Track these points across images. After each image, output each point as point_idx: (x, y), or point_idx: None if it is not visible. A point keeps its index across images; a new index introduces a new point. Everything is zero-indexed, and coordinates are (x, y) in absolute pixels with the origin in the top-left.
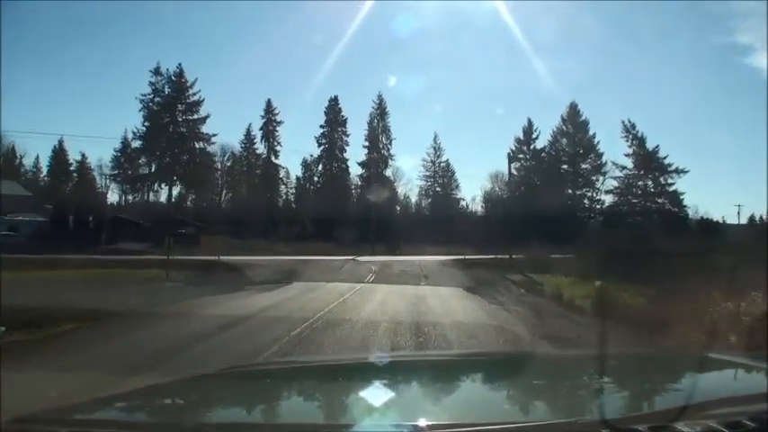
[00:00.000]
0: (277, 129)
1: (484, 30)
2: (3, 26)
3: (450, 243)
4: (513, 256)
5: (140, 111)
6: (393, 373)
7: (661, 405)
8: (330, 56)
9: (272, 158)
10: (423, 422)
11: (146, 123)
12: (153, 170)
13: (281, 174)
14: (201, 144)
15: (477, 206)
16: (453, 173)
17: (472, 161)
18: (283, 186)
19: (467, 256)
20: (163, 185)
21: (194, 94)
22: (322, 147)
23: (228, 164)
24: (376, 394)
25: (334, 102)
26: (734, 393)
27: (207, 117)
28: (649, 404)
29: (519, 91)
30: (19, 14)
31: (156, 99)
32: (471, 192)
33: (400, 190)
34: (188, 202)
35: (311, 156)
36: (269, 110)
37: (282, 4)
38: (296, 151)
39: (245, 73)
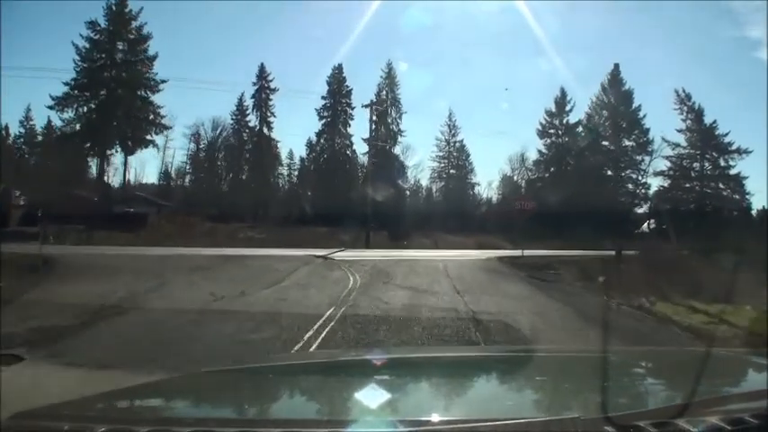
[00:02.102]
0: (271, 97)
1: (494, 23)
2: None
3: (465, 231)
4: (624, 253)
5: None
6: (394, 370)
7: (664, 402)
8: (336, 52)
9: (265, 131)
10: (424, 418)
11: (78, 67)
12: (79, 128)
13: (276, 148)
14: (146, 93)
15: (494, 192)
16: (468, 155)
17: (485, 152)
18: (285, 168)
19: (524, 252)
20: (96, 148)
21: (139, 27)
22: (324, 120)
23: (221, 139)
24: (378, 391)
25: (337, 70)
26: (737, 390)
27: (155, 57)
28: (652, 401)
29: (531, 84)
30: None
31: (90, 34)
32: (483, 178)
33: (410, 173)
34: (185, 182)
35: (316, 133)
36: (262, 75)
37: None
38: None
39: (248, 63)
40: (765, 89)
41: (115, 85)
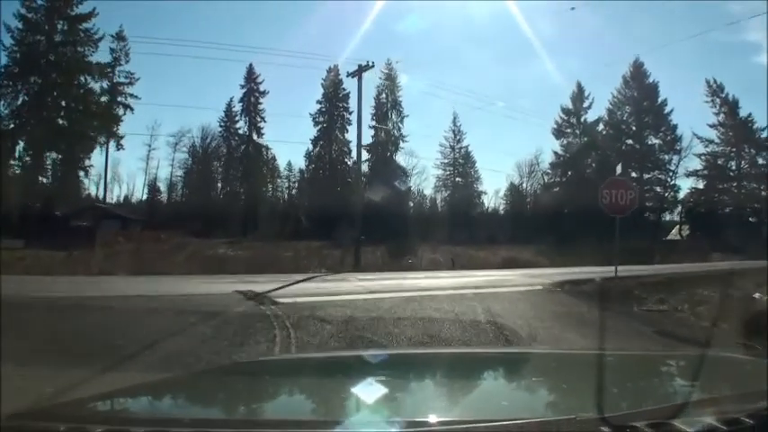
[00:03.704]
0: (260, 100)
1: (496, 24)
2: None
3: (476, 244)
4: None
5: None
6: (390, 369)
7: (660, 402)
8: (332, 52)
9: (255, 137)
10: (419, 419)
11: (9, 51)
12: (11, 125)
13: (268, 156)
14: (89, 79)
15: (501, 201)
16: (474, 162)
17: (489, 159)
18: (285, 180)
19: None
20: (33, 147)
21: (81, 2)
22: (319, 126)
23: (211, 148)
24: (373, 391)
25: (333, 72)
26: (732, 391)
27: (101, 38)
28: (648, 401)
29: (531, 89)
30: None
31: (26, 13)
32: (489, 187)
33: (412, 182)
34: (179, 195)
35: (311, 140)
36: (250, 77)
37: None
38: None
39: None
40: (765, 94)
41: (50, 70)
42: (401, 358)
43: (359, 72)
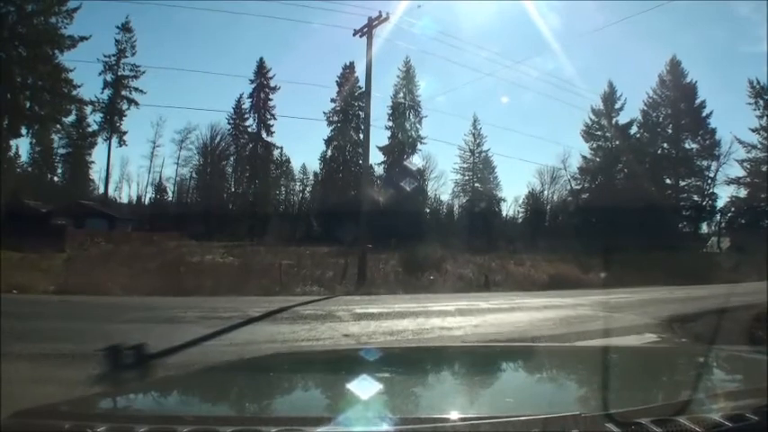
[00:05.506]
0: (271, 96)
1: (517, 25)
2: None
3: (493, 251)
4: None
5: None
6: (394, 366)
7: (664, 398)
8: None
9: (264, 135)
10: (424, 416)
11: None
12: None
13: (276, 156)
14: (57, 52)
15: (520, 209)
16: (494, 167)
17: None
18: (299, 184)
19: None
20: None
21: None
22: (333, 126)
23: (221, 146)
24: (377, 387)
25: (349, 70)
26: (737, 387)
27: (77, 9)
28: (653, 397)
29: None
30: None
31: None
32: (507, 194)
33: (430, 186)
34: (186, 195)
35: (324, 140)
36: (261, 72)
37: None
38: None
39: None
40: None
41: (15, 43)
42: (405, 354)
43: (368, 28)
